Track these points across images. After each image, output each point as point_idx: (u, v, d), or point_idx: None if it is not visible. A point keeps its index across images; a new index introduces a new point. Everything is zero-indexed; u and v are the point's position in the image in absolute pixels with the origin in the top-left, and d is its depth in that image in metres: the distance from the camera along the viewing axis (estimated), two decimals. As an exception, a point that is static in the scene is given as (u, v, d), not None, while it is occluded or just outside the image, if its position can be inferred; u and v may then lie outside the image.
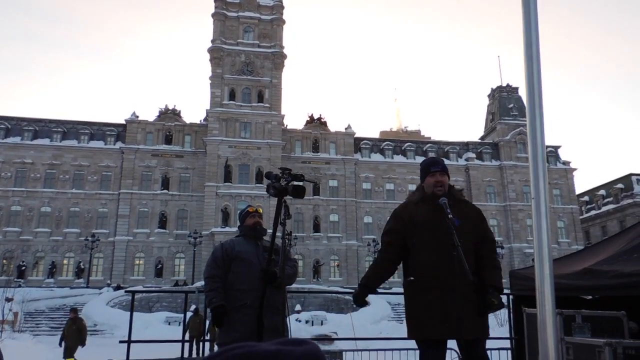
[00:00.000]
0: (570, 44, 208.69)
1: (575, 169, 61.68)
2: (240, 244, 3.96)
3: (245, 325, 3.59)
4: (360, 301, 3.48)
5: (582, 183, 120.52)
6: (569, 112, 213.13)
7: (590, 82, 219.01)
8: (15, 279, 44.62)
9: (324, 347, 12.63)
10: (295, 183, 3.43)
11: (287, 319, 3.68)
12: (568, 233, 57.63)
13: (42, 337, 23.40)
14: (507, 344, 5.53)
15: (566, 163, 61.82)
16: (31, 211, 49.21)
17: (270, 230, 3.41)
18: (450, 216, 3.12)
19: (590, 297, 5.48)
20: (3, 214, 48.60)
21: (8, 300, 26.20)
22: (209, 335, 12.19)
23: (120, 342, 4.81)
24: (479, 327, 3.20)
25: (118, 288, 36.52)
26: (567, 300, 5.43)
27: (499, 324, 14.83)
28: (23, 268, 46.66)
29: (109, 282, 44.02)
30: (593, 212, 66.49)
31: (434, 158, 3.67)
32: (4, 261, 47.14)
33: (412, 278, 3.29)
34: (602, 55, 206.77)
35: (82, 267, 47.19)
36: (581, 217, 62.86)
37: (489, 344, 7.50)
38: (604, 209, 64.72)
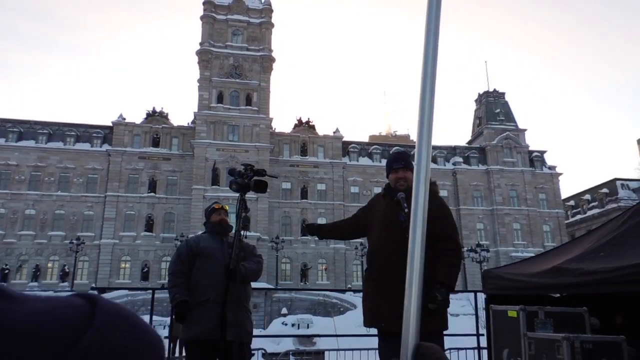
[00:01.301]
0: (557, 47, 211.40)
1: (560, 174, 62.40)
2: (206, 240, 3.98)
3: (209, 320, 3.60)
4: (309, 229, 3.79)
5: (568, 187, 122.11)
6: (555, 117, 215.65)
7: (577, 86, 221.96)
8: (-2, 283, 44.08)
9: (306, 347, 12.64)
10: (257, 178, 3.46)
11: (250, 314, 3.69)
12: (554, 237, 58.18)
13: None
14: (474, 341, 5.59)
15: (552, 168, 62.49)
16: (15, 214, 48.63)
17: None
18: (406, 209, 3.16)
19: (558, 295, 5.56)
20: (-14, 217, 47.99)
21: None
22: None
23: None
24: (432, 320, 3.21)
25: (102, 292, 36.14)
26: (536, 299, 5.51)
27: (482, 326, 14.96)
28: (6, 272, 46.05)
29: (93, 285, 43.56)
30: (579, 217, 67.23)
31: (398, 154, 3.72)
32: (-13, 264, 46.50)
33: (366, 268, 3.42)
34: (589, 58, 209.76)
35: (67, 270, 46.70)
36: (567, 222, 63.55)
37: (461, 341, 7.57)
38: (589, 213, 65.47)
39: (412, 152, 43.95)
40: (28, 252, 47.78)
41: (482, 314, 6.17)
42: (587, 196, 67.69)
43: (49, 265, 48.14)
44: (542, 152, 63.54)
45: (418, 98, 1.49)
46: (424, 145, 1.39)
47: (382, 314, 3.16)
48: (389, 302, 3.14)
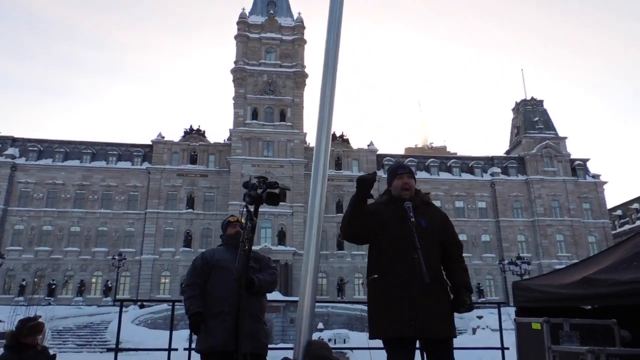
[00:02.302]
0: (596, 50, 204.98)
1: (605, 182, 60.06)
2: (221, 252, 4.05)
3: (223, 332, 3.65)
4: (366, 183, 3.28)
5: (615, 196, 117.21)
6: (598, 123, 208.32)
7: (619, 89, 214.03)
8: (46, 297, 45.76)
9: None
10: (270, 191, 3.51)
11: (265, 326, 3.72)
12: (600, 248, 55.75)
13: (68, 354, 23.88)
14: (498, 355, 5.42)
15: (596, 176, 60.26)
16: (61, 231, 50.58)
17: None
18: (412, 219, 3.16)
19: (589, 307, 5.34)
20: (35, 234, 50.10)
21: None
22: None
23: (108, 349, 4.89)
24: (447, 326, 3.19)
25: (142, 307, 36.98)
26: (567, 311, 5.30)
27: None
28: (53, 287, 47.80)
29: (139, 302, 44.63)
30: (627, 227, 64.32)
31: (400, 162, 3.73)
32: (35, 280, 48.41)
33: (376, 276, 3.30)
34: (631, 60, 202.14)
35: (110, 285, 48.05)
36: (614, 232, 60.92)
37: (487, 357, 7.34)
38: (638, 222, 62.60)
39: (448, 164, 43.27)
40: (73, 268, 49.51)
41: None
42: (636, 205, 64.82)
43: (93, 280, 49.71)
44: (585, 160, 61.41)
45: (318, 100, 1.56)
46: (322, 147, 1.45)
47: (422, 320, 3.07)
48: (429, 308, 3.11)
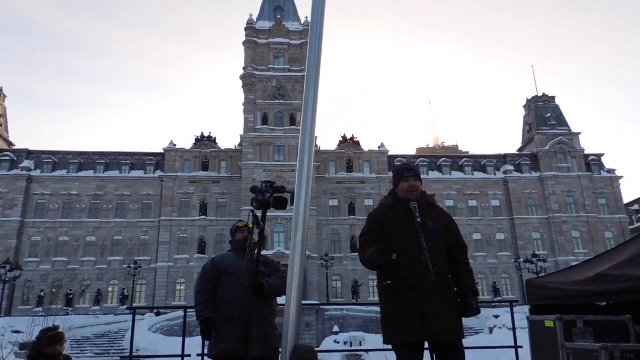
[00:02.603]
0: (609, 47, 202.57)
1: (621, 177, 59.25)
2: (230, 258, 4.08)
3: (233, 337, 3.67)
4: (386, 255, 3.22)
5: (632, 191, 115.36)
6: (612, 118, 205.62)
7: (632, 81, 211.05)
8: (64, 307, 46.30)
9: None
10: (277, 195, 3.53)
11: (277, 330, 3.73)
12: (618, 244, 54.89)
13: (86, 363, 24.07)
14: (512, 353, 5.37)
15: (611, 171, 59.47)
16: (77, 241, 51.18)
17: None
18: (418, 220, 3.16)
19: (604, 303, 5.28)
20: (52, 245, 50.75)
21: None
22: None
23: (122, 357, 4.92)
24: (457, 328, 3.19)
25: (159, 314, 37.23)
26: (582, 308, 5.24)
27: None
28: (71, 297, 48.34)
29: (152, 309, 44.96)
30: (645, 221, 63.38)
31: (407, 164, 3.73)
32: (53, 290, 49.00)
33: (389, 282, 3.29)
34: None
35: (126, 294, 48.46)
36: (632, 227, 60.02)
37: (503, 356, 7.27)
38: (656, 217, 61.65)
39: (460, 163, 43.08)
40: (90, 278, 50.04)
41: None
42: (653, 199, 63.85)
43: (110, 289, 50.18)
44: (600, 156, 60.66)
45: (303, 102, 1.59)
46: (306, 149, 1.49)
47: (432, 324, 3.08)
48: (439, 310, 3.13)
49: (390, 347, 3.35)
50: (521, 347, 5.13)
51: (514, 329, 5.33)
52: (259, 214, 3.52)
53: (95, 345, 31.83)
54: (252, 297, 3.38)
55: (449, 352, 3.17)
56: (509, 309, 33.39)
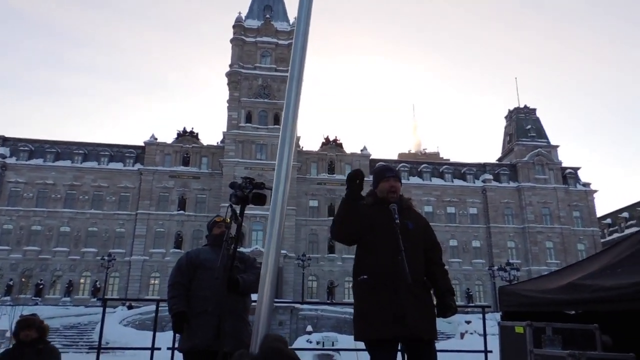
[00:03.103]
0: (589, 61, 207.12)
1: (596, 191, 60.60)
2: (206, 252, 4.04)
3: (206, 331, 3.64)
4: (357, 178, 3.26)
5: (605, 205, 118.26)
6: (589, 133, 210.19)
7: (611, 99, 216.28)
8: (33, 297, 45.34)
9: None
10: (256, 191, 3.50)
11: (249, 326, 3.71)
12: (589, 256, 56.22)
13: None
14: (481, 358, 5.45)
15: (586, 185, 60.79)
16: (51, 231, 50.18)
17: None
18: (397, 221, 3.18)
19: (573, 312, 5.39)
20: (24, 233, 49.65)
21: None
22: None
23: (90, 348, 4.84)
24: (430, 328, 3.21)
25: (130, 308, 36.72)
26: (552, 316, 5.33)
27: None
28: (41, 286, 47.35)
29: (123, 301, 44.31)
30: (616, 235, 64.84)
31: (387, 165, 3.75)
32: (23, 279, 47.93)
33: (365, 277, 3.29)
34: (622, 72, 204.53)
35: (98, 286, 47.68)
36: (603, 240, 61.41)
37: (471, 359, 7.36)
38: (627, 231, 63.09)
39: (441, 169, 43.50)
40: (62, 268, 49.10)
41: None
42: (625, 214, 65.41)
43: (82, 280, 49.30)
44: (576, 169, 61.95)
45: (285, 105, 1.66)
46: (286, 143, 1.53)
47: (410, 321, 3.07)
48: (416, 309, 3.13)
49: (362, 346, 3.32)
50: (491, 351, 5.22)
51: (484, 334, 5.41)
52: (237, 209, 3.49)
53: (64, 337, 31.22)
54: (226, 292, 3.35)
55: (422, 352, 3.18)
56: (480, 315, 33.90)
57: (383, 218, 3.34)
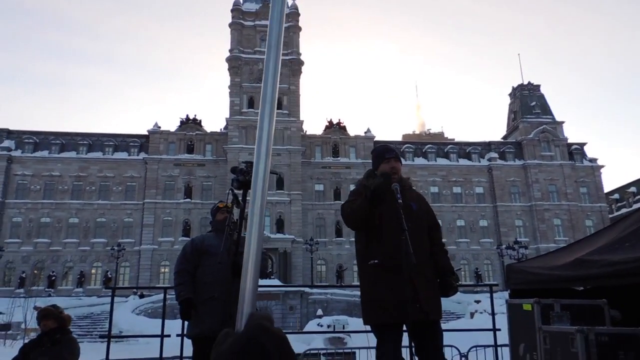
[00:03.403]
0: (594, 37, 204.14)
1: (602, 166, 60.21)
2: (210, 238, 4.04)
3: (213, 317, 3.65)
4: (385, 185, 3.22)
5: (612, 180, 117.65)
6: (596, 107, 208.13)
7: (617, 72, 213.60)
8: (46, 289, 45.94)
9: (336, 349, 12.63)
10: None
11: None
12: (596, 231, 56.11)
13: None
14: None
15: (593, 160, 60.39)
16: (60, 222, 50.60)
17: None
18: (400, 201, 3.15)
19: (581, 288, 5.37)
20: (33, 226, 50.11)
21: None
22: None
23: (100, 336, 4.89)
24: (436, 308, 3.22)
25: (142, 296, 37.14)
26: (560, 292, 5.32)
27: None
28: (53, 278, 47.93)
29: (135, 290, 44.80)
30: (624, 210, 64.55)
31: (387, 145, 3.71)
32: (35, 271, 48.52)
33: (376, 261, 3.27)
34: (627, 47, 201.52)
35: (110, 276, 48.20)
36: (611, 216, 61.18)
37: (483, 339, 7.40)
38: (635, 206, 62.80)
39: (446, 149, 43.38)
40: (73, 259, 49.61)
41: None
42: (633, 188, 65.04)
43: (93, 271, 49.86)
44: (582, 145, 61.50)
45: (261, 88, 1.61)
46: (265, 123, 1.50)
47: (421, 303, 3.08)
48: (425, 290, 3.15)
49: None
50: (499, 329, 5.22)
51: (492, 312, 5.42)
52: (239, 194, 3.47)
53: (78, 327, 31.69)
54: (231, 277, 3.35)
55: (429, 332, 3.18)
56: (489, 295, 34.09)
57: (388, 200, 3.32)
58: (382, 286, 3.20)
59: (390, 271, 3.20)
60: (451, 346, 7.46)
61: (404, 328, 3.26)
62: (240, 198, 3.47)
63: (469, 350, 7.78)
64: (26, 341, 4.61)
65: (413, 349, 3.14)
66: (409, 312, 3.07)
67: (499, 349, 5.57)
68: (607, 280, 4.76)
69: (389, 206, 3.29)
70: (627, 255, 4.68)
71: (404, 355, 3.17)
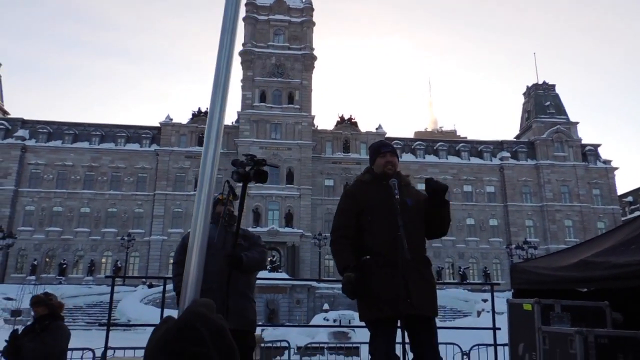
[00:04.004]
0: (611, 37, 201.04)
1: (616, 168, 59.45)
2: (209, 230, 4.04)
3: None
4: (355, 288, 3.17)
5: (626, 183, 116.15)
6: (610, 109, 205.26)
7: (632, 75, 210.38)
8: (57, 277, 46.57)
9: (341, 343, 12.63)
10: (257, 168, 3.47)
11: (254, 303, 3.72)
12: (603, 233, 55.44)
13: (78, 331, 24.26)
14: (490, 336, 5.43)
15: (607, 162, 59.64)
16: (72, 212, 51.18)
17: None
18: (397, 196, 3.13)
19: (585, 289, 5.31)
20: (45, 215, 50.73)
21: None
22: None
23: (100, 324, 4.93)
24: (430, 304, 3.19)
25: (151, 286, 37.48)
26: (564, 294, 5.27)
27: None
28: (64, 266, 48.54)
29: (143, 280, 45.25)
30: (637, 213, 63.75)
31: (383, 141, 3.69)
32: (46, 259, 49.17)
33: (368, 257, 3.26)
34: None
35: (119, 265, 48.68)
36: (624, 218, 60.36)
37: (486, 338, 7.34)
38: (649, 209, 62.03)
39: (457, 147, 43.06)
40: (84, 248, 50.19)
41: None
42: (647, 191, 64.20)
43: (103, 260, 50.40)
44: (596, 146, 60.72)
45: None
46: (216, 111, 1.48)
47: (413, 300, 3.05)
48: (418, 287, 3.12)
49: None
50: (499, 329, 5.19)
51: (492, 311, 5.40)
52: (238, 186, 3.47)
53: (88, 315, 32.15)
54: (228, 269, 3.35)
55: (422, 328, 3.16)
56: (497, 294, 33.92)
57: (381, 195, 3.30)
58: (375, 282, 3.19)
59: (383, 267, 3.19)
60: (453, 344, 7.44)
61: (399, 325, 3.24)
62: (237, 191, 3.47)
63: (470, 349, 7.74)
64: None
65: (408, 345, 3.11)
66: (401, 308, 3.05)
67: (499, 348, 5.54)
68: (610, 283, 4.71)
69: (382, 202, 3.28)
70: (632, 258, 4.62)
71: (398, 352, 3.15)
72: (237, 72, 54.43)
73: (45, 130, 53.48)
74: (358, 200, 3.39)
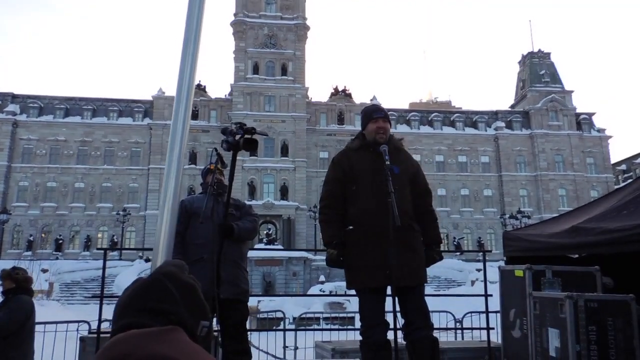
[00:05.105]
0: (607, 3, 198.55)
1: (610, 137, 59.63)
2: (200, 200, 4.02)
3: (202, 278, 3.64)
4: (338, 261, 3.23)
5: (620, 151, 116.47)
6: (606, 76, 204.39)
7: (629, 42, 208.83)
8: (53, 252, 46.73)
9: (335, 313, 12.82)
10: (247, 137, 3.42)
11: (246, 272, 3.73)
12: (594, 199, 55.99)
13: (76, 306, 24.58)
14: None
15: (601, 130, 59.74)
16: (66, 187, 51.03)
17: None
18: (387, 163, 3.09)
19: (576, 255, 5.35)
20: (40, 190, 50.57)
21: (44, 271, 27.62)
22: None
23: (93, 296, 4.95)
24: (419, 273, 3.19)
25: (148, 260, 37.68)
26: (556, 260, 5.31)
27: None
28: (60, 241, 48.67)
29: (140, 254, 45.49)
30: (630, 181, 64.33)
31: (376, 105, 3.63)
32: (43, 235, 49.24)
33: (351, 227, 3.25)
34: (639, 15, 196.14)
35: (116, 240, 48.85)
36: (617, 187, 60.77)
37: (478, 305, 7.45)
38: (642, 177, 62.54)
39: (452, 118, 42.97)
40: (79, 223, 50.24)
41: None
42: (640, 160, 64.54)
43: (99, 235, 50.52)
44: (591, 115, 60.69)
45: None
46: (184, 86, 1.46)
47: (396, 270, 3.01)
48: (403, 256, 3.10)
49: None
50: (491, 295, 5.26)
51: (485, 278, 5.46)
52: (228, 155, 3.42)
53: (85, 289, 32.40)
54: (220, 238, 3.34)
55: (409, 296, 3.17)
56: (491, 263, 34.45)
57: (369, 162, 3.26)
58: (357, 252, 3.18)
59: (365, 237, 3.17)
60: (446, 312, 7.54)
61: (388, 292, 3.25)
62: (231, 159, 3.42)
63: (463, 316, 7.87)
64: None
65: (398, 313, 3.13)
66: (381, 279, 3.07)
67: (491, 315, 5.63)
68: (601, 248, 4.74)
69: (370, 169, 3.24)
70: (623, 223, 4.64)
71: (389, 319, 3.18)
72: (229, 43, 53.69)
73: (36, 105, 52.83)
74: (344, 168, 3.34)
